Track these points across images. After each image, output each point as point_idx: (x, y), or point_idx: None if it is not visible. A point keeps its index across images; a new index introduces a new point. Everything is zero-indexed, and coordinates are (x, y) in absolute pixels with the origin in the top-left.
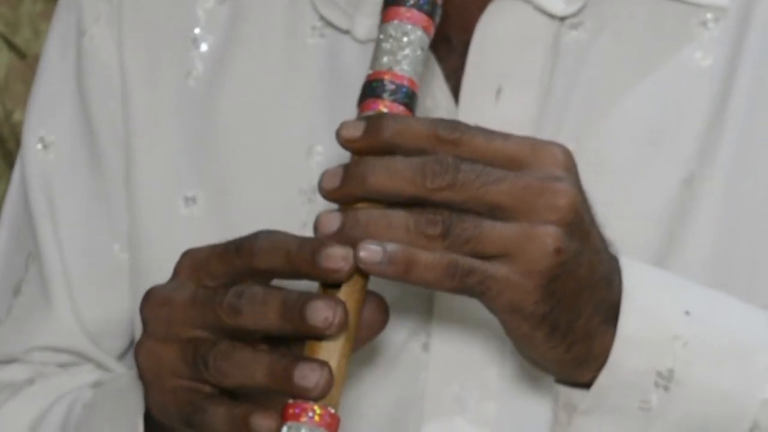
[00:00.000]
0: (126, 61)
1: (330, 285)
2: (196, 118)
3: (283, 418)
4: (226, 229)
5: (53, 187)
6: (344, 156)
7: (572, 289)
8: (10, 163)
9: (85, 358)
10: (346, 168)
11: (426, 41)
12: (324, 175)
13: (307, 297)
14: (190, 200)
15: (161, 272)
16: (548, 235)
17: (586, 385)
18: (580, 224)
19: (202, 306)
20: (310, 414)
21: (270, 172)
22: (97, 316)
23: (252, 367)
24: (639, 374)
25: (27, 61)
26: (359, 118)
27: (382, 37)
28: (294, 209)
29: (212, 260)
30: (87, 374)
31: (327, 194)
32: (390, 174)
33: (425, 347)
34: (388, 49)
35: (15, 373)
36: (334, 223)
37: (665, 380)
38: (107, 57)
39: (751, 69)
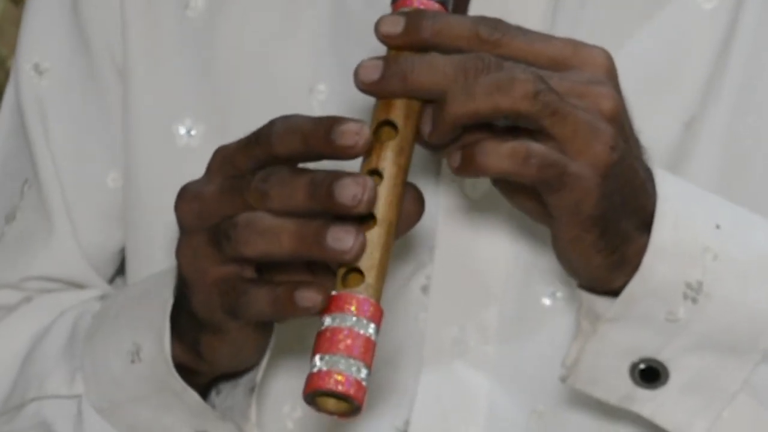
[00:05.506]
0: None
1: (373, 173)
2: (196, 49)
3: (326, 310)
4: None
5: (47, 114)
6: (345, 95)
7: (619, 191)
8: None
9: (79, 286)
10: (386, 62)
11: None
12: (361, 67)
13: (335, 175)
14: (187, 131)
15: (156, 202)
16: (607, 132)
17: (611, 293)
18: (623, 128)
19: (231, 194)
20: (354, 304)
21: (270, 109)
22: (94, 242)
23: (277, 232)
24: (668, 284)
25: (21, 6)
26: (397, 13)
27: None
28: None
29: (237, 153)
30: (86, 292)
31: (364, 86)
32: (432, 71)
33: (424, 289)
34: None
35: (6, 297)
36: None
37: (694, 292)
38: None
39: (755, 11)
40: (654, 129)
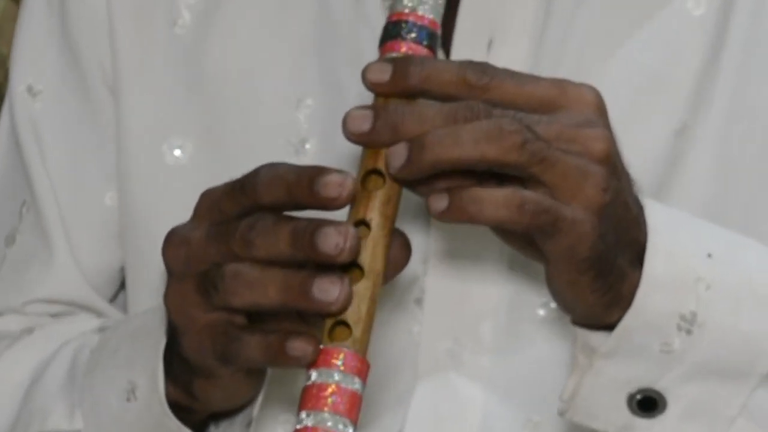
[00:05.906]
0: (113, 7)
1: (360, 224)
2: (184, 66)
3: (313, 364)
4: (212, 178)
5: (42, 136)
6: (333, 110)
7: (614, 230)
8: None
9: (81, 307)
10: (376, 112)
11: None
12: (350, 117)
13: (317, 224)
14: (177, 148)
15: (148, 219)
16: (598, 174)
17: (606, 327)
18: (615, 165)
19: (216, 241)
20: (341, 359)
21: (258, 123)
22: (94, 262)
23: (264, 283)
24: (663, 316)
25: (21, 5)
26: (384, 59)
27: None
28: (281, 161)
29: (224, 199)
30: (87, 321)
31: (354, 137)
32: (422, 123)
33: (418, 302)
34: None
35: (10, 323)
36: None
37: (688, 323)
38: (95, 2)
39: (744, 17)
40: (645, 137)
